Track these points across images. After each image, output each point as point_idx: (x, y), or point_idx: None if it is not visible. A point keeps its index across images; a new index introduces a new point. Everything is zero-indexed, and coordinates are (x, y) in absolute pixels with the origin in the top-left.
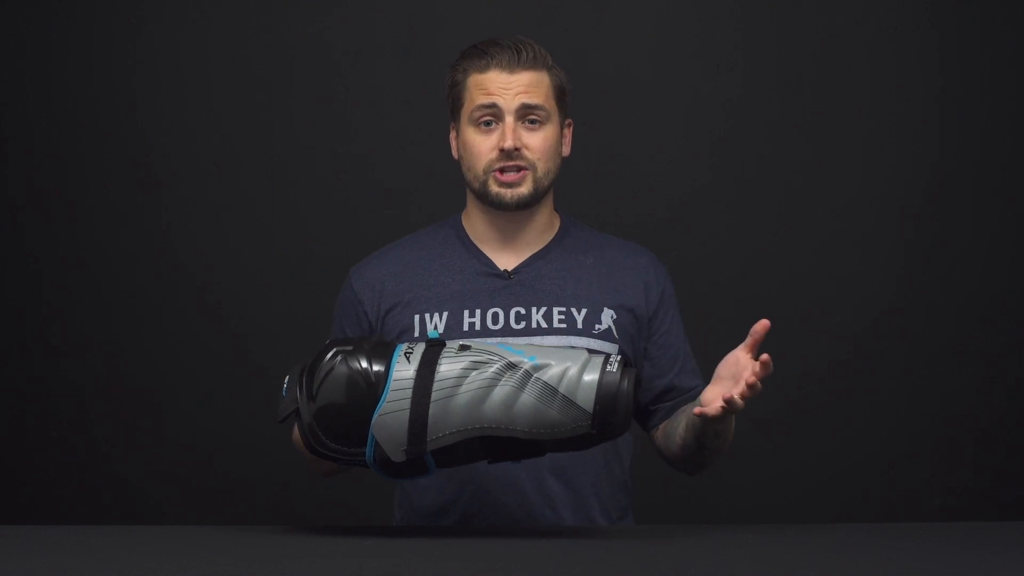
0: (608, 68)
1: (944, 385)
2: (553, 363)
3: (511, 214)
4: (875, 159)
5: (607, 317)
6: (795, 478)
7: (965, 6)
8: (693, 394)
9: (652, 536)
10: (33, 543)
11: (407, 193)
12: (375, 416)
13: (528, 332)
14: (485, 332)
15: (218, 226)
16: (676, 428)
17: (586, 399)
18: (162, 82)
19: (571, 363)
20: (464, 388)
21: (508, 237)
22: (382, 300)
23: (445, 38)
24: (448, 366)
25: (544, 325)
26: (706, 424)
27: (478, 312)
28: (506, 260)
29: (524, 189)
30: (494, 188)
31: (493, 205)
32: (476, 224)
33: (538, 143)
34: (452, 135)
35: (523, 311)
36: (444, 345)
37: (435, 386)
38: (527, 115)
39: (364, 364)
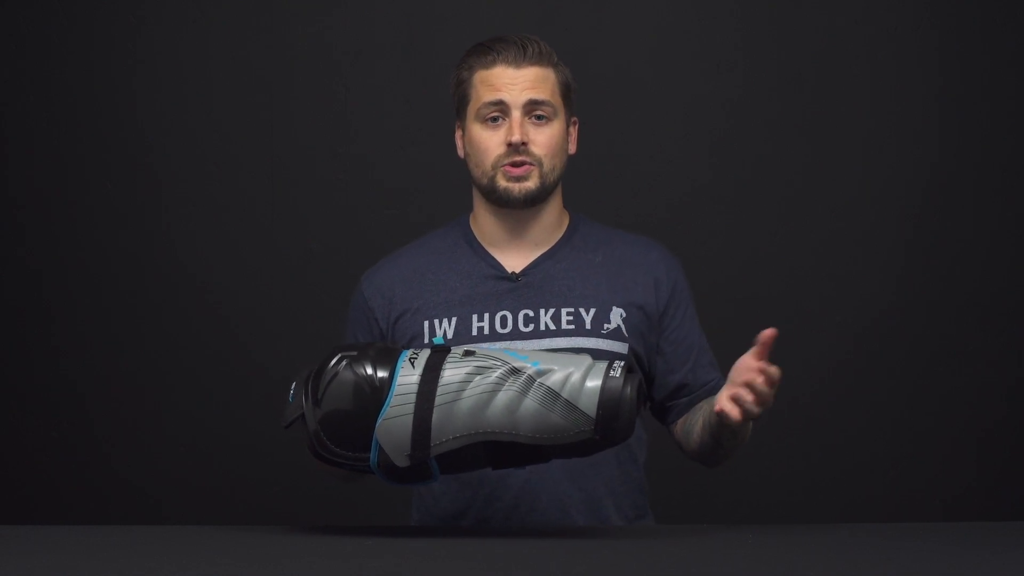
0: (608, 68)
1: (945, 385)
2: (556, 368)
3: (519, 212)
4: (875, 159)
5: (616, 316)
6: (796, 478)
7: (965, 6)
8: (709, 388)
9: (652, 536)
10: (33, 543)
11: (407, 193)
12: (379, 421)
13: (537, 334)
14: (494, 336)
15: (218, 226)
16: (694, 425)
17: (589, 404)
18: (162, 82)
19: (574, 368)
20: (467, 393)
21: (516, 236)
22: (392, 307)
23: (445, 38)
24: (452, 371)
25: (552, 327)
26: (723, 425)
27: (487, 316)
28: (514, 261)
29: (531, 184)
30: (502, 183)
31: (501, 200)
32: (484, 225)
33: (544, 139)
34: (458, 134)
35: (531, 313)
36: (449, 351)
37: (439, 391)
38: (534, 110)
39: (369, 370)
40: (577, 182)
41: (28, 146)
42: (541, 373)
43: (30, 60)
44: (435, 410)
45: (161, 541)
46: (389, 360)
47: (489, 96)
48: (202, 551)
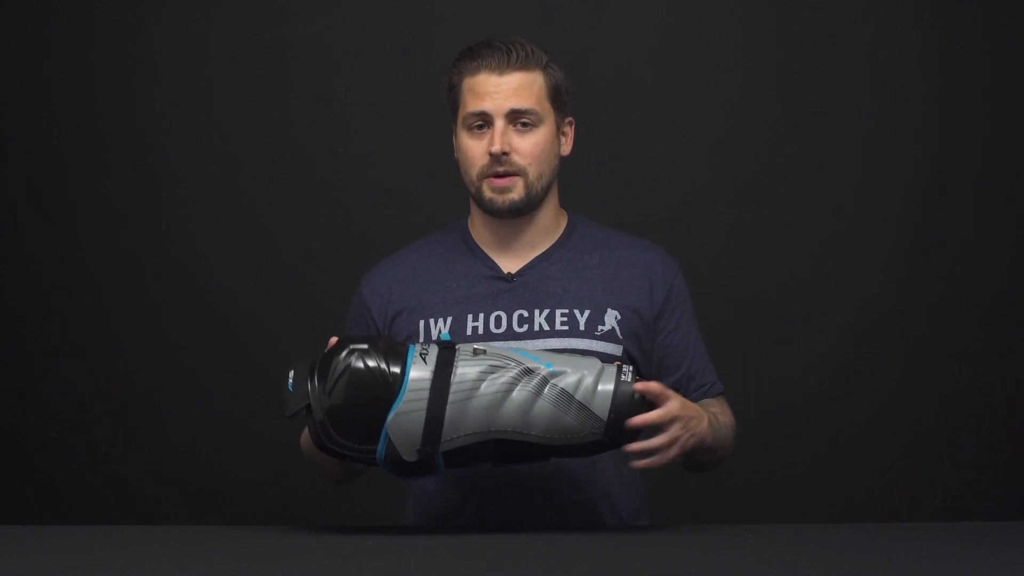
0: (608, 68)
1: (945, 385)
2: (569, 371)
3: (509, 219)
4: (875, 159)
5: (611, 318)
6: (796, 478)
7: (965, 6)
8: (701, 394)
9: (652, 536)
10: (33, 543)
11: (407, 193)
12: (391, 415)
13: (531, 335)
14: (488, 336)
15: (218, 226)
16: None
17: (601, 407)
18: (162, 82)
19: (586, 371)
20: (482, 391)
21: (510, 240)
22: (389, 306)
23: (445, 38)
24: (465, 369)
25: (546, 327)
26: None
27: (481, 316)
28: (510, 262)
29: (515, 195)
30: (487, 194)
31: (487, 211)
32: (479, 228)
33: (528, 147)
34: (454, 134)
35: (526, 314)
36: (456, 348)
37: (452, 388)
38: (517, 119)
39: (381, 363)
40: (577, 182)
41: (28, 146)
42: (555, 375)
43: (30, 60)
44: (448, 407)
45: (161, 541)
46: (399, 354)
47: (473, 106)
48: (202, 551)
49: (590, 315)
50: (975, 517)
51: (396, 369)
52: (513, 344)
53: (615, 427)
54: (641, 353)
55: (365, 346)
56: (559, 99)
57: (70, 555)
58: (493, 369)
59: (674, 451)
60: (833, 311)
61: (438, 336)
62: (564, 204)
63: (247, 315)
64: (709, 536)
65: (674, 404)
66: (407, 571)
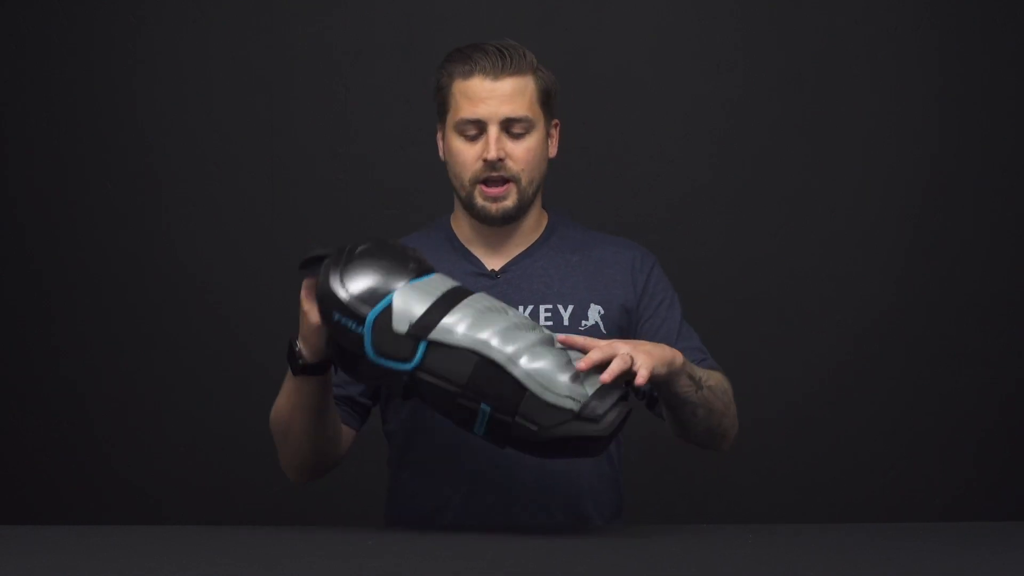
0: (608, 68)
1: (945, 385)
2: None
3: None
4: (875, 159)
5: (594, 313)
6: (796, 478)
7: (965, 6)
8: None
9: (652, 536)
10: (33, 543)
11: (407, 193)
12: (408, 282)
13: None
14: None
15: (218, 226)
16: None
17: (592, 384)
18: (162, 82)
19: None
20: (499, 314)
21: (495, 242)
22: None
23: (445, 38)
24: (488, 301)
25: None
26: (664, 399)
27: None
28: (494, 260)
29: (509, 203)
30: (479, 201)
31: (478, 218)
32: (463, 227)
33: (522, 153)
34: (439, 135)
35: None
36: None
37: (470, 298)
38: (510, 127)
39: (413, 252)
40: (577, 182)
41: (28, 146)
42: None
43: (30, 60)
44: (459, 307)
45: (161, 541)
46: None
47: (466, 112)
48: (202, 551)
49: (573, 310)
50: (975, 517)
51: (425, 265)
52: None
53: (590, 411)
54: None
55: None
56: (548, 102)
57: (70, 555)
58: (521, 316)
59: (631, 359)
60: (833, 311)
61: None
62: (560, 206)
63: (247, 315)
64: (709, 536)
65: (616, 341)
66: (407, 571)
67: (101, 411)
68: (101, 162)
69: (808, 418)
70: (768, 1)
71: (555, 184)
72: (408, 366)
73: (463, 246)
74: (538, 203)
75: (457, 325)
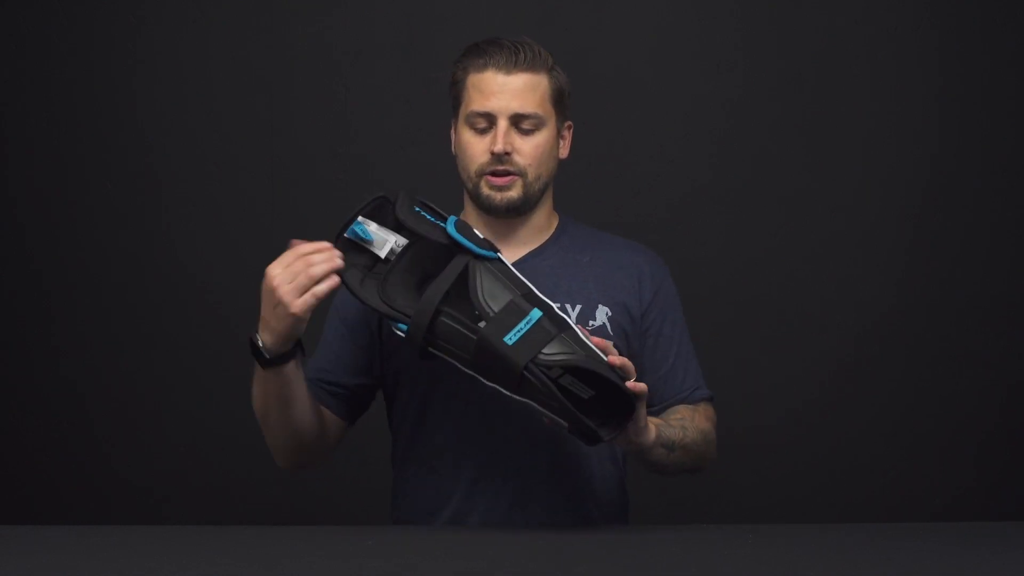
0: (608, 68)
1: (945, 387)
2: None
3: (505, 218)
4: (875, 159)
5: (602, 314)
6: (796, 478)
7: (965, 6)
8: (682, 398)
9: (652, 536)
10: (33, 543)
11: None
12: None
13: None
14: None
15: (218, 226)
16: None
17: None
18: (162, 82)
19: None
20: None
21: (503, 237)
22: None
23: (445, 38)
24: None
25: None
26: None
27: None
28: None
29: (514, 193)
30: (485, 191)
31: (483, 208)
32: (474, 224)
33: (530, 149)
34: (452, 130)
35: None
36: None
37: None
38: (520, 122)
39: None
40: (577, 182)
41: (28, 146)
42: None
43: (30, 60)
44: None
45: (161, 541)
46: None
47: (477, 105)
48: (202, 551)
49: (581, 310)
50: (975, 517)
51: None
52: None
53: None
54: (629, 351)
55: None
56: (561, 102)
57: (70, 555)
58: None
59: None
60: (833, 312)
61: None
62: (560, 206)
63: (247, 315)
64: (709, 536)
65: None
66: (407, 571)
67: (101, 411)
68: (101, 162)
69: (808, 418)
70: (768, 1)
71: (557, 184)
72: (487, 252)
73: None
74: (548, 202)
75: (493, 281)
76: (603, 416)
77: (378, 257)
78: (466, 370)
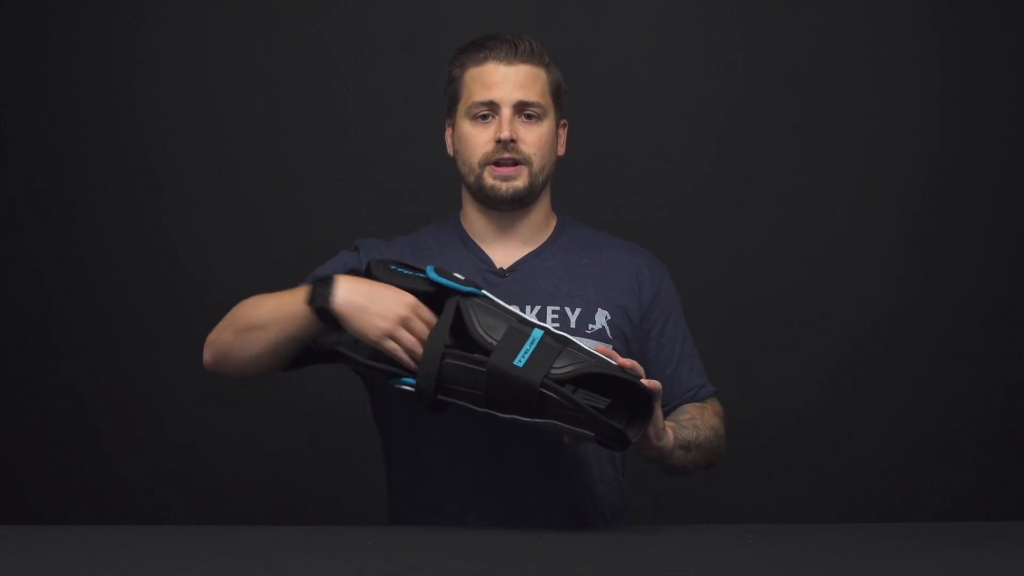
0: (608, 68)
1: (945, 386)
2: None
3: (506, 212)
4: (875, 159)
5: (601, 317)
6: (796, 478)
7: (965, 6)
8: (688, 397)
9: (652, 536)
10: (33, 543)
11: (407, 193)
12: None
13: None
14: None
15: (218, 226)
16: None
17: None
18: (162, 82)
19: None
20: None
21: (504, 233)
22: None
23: (445, 38)
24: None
25: None
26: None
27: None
28: (503, 257)
29: (519, 183)
30: (489, 180)
31: (487, 199)
32: (473, 221)
33: (534, 138)
34: (448, 132)
35: (516, 310)
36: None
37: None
38: (523, 110)
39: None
40: (577, 181)
41: (28, 146)
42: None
43: (30, 60)
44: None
45: (161, 541)
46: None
47: (480, 95)
48: (202, 551)
49: (581, 313)
50: (975, 517)
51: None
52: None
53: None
54: (629, 353)
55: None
56: (559, 98)
57: (70, 555)
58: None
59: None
60: (833, 311)
61: None
62: (559, 204)
63: None
64: (709, 536)
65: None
66: (407, 571)
67: (101, 411)
68: (101, 162)
69: (808, 418)
70: (768, 1)
71: (555, 183)
72: (472, 290)
73: (473, 242)
74: (547, 199)
75: (489, 315)
76: (624, 420)
77: None
78: (480, 409)
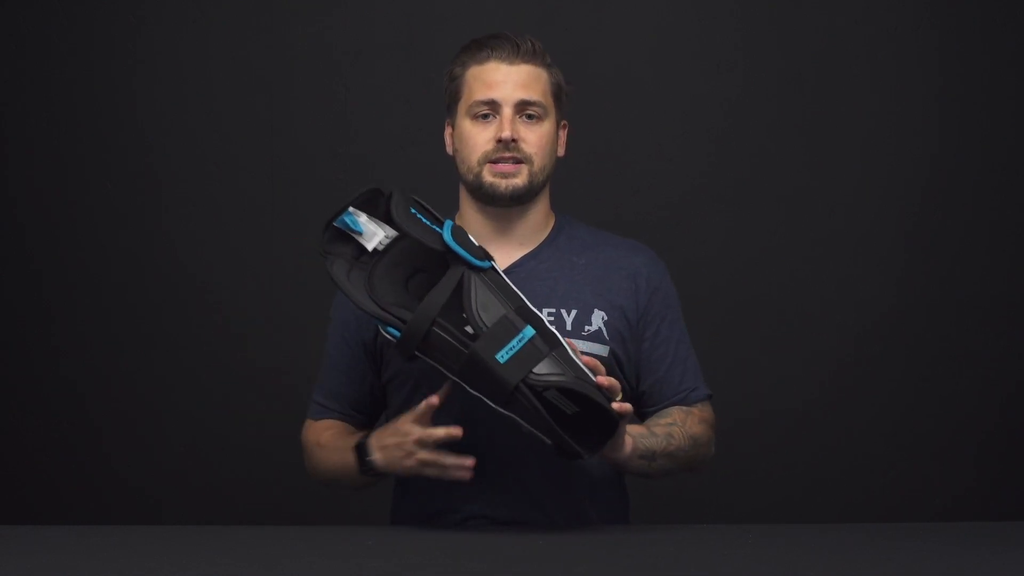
0: (608, 68)
1: (945, 386)
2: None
3: (504, 210)
4: (875, 159)
5: (598, 318)
6: (795, 478)
7: (965, 6)
8: (679, 399)
9: (652, 536)
10: (33, 543)
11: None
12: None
13: None
14: None
15: (218, 226)
16: None
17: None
18: (162, 82)
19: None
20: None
21: (502, 234)
22: None
23: (445, 38)
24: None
25: None
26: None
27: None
28: (499, 260)
29: (519, 180)
30: (488, 178)
31: (487, 197)
32: (470, 224)
33: (535, 137)
34: (447, 131)
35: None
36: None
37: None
38: (525, 110)
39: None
40: (576, 181)
41: (28, 146)
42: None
43: (30, 60)
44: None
45: (161, 541)
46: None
47: (481, 94)
48: (202, 551)
49: (577, 315)
50: (975, 517)
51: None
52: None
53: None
54: (626, 354)
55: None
56: (560, 99)
57: (70, 555)
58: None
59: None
60: (833, 311)
61: None
62: (559, 204)
63: (247, 315)
64: (709, 536)
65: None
66: (407, 571)
67: (101, 411)
68: (101, 162)
69: (808, 418)
70: (768, 1)
71: (555, 183)
72: (481, 263)
73: None
74: (546, 199)
75: (483, 292)
76: (584, 432)
77: (364, 248)
78: (451, 376)
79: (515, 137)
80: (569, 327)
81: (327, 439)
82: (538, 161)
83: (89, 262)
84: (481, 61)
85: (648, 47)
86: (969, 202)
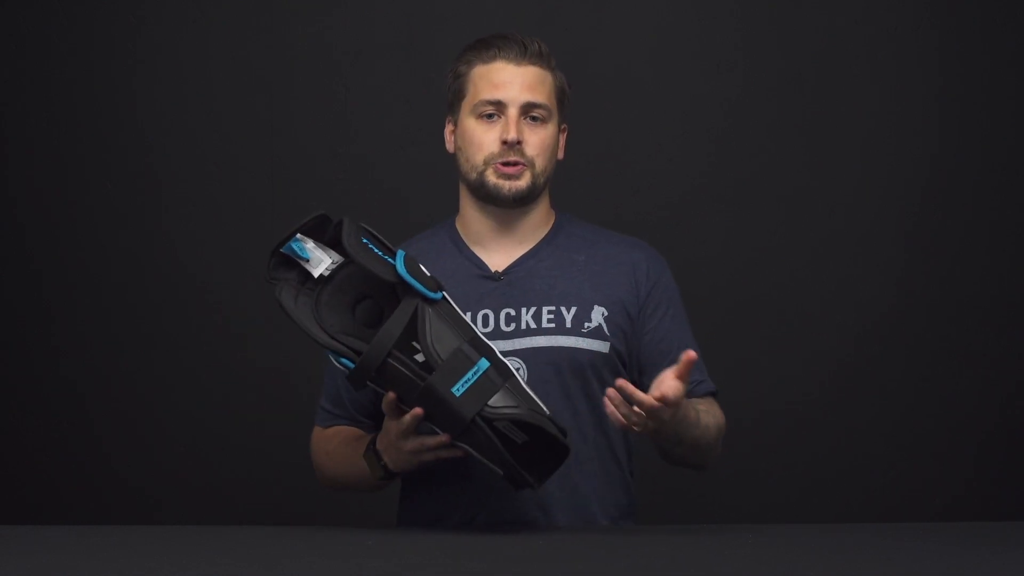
0: (608, 68)
1: (945, 386)
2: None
3: (505, 210)
4: (875, 159)
5: (598, 315)
6: (796, 478)
7: (965, 6)
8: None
9: (652, 536)
10: (33, 543)
11: (407, 193)
12: (403, 256)
13: (518, 333)
14: None
15: (218, 226)
16: None
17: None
18: (162, 82)
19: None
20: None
21: (502, 233)
22: None
23: (445, 38)
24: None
25: (533, 325)
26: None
27: (468, 315)
28: (498, 260)
29: (522, 183)
30: (492, 179)
31: (490, 197)
32: (469, 223)
33: (538, 140)
34: (448, 128)
35: (513, 312)
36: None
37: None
38: (530, 112)
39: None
40: (576, 181)
41: (28, 146)
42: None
43: (30, 60)
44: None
45: (161, 541)
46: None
47: (487, 93)
48: (202, 551)
49: (576, 312)
50: (975, 517)
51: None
52: (500, 344)
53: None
54: (627, 349)
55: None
56: (563, 102)
57: (70, 555)
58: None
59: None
60: (833, 311)
61: None
62: (560, 204)
63: (247, 315)
64: (709, 536)
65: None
66: (407, 571)
67: (101, 411)
68: (101, 162)
69: (808, 418)
70: (768, 1)
71: (555, 183)
72: (434, 295)
73: (467, 247)
74: (546, 199)
75: (438, 327)
76: (532, 461)
77: (310, 274)
78: (403, 407)
79: (520, 139)
80: (569, 324)
81: (335, 448)
82: (540, 164)
83: (89, 262)
84: (488, 60)
85: (648, 47)
86: (969, 202)
